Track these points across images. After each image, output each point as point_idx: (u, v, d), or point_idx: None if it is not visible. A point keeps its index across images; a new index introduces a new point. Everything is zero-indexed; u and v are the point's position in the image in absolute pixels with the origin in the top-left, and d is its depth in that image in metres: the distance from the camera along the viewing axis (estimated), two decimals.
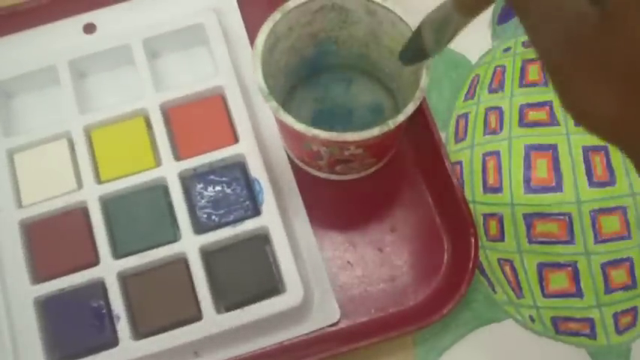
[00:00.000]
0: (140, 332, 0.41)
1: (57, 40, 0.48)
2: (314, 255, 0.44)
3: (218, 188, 0.43)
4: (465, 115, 0.48)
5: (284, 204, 0.44)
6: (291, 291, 0.41)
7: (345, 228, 0.45)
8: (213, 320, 0.41)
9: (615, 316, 0.43)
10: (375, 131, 0.37)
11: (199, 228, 0.43)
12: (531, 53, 0.48)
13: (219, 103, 0.45)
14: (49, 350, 0.40)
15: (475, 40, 0.50)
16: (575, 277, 0.44)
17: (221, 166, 0.44)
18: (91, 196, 0.43)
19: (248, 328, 0.41)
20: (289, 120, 0.38)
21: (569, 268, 0.44)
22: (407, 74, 0.41)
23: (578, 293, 0.44)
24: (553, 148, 0.46)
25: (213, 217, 0.43)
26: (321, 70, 0.46)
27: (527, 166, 0.46)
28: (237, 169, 0.44)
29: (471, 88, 0.48)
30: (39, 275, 0.42)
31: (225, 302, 0.42)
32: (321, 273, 0.43)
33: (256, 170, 0.43)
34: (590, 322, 0.43)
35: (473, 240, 0.42)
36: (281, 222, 0.42)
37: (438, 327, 0.43)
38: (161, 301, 0.41)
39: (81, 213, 0.43)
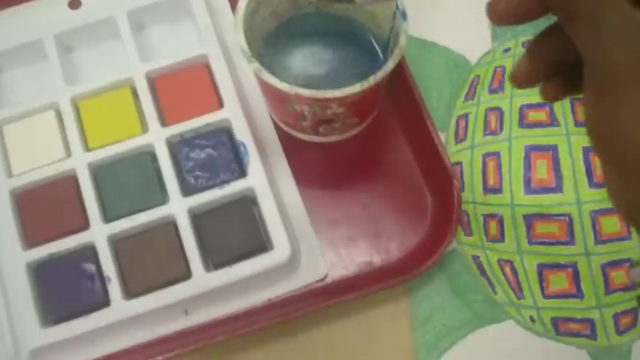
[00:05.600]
0: (131, 292, 0.41)
1: (43, 15, 0.48)
2: (300, 213, 0.44)
3: (205, 152, 0.43)
4: (465, 116, 0.47)
5: (269, 166, 0.45)
6: (279, 248, 0.41)
7: (330, 187, 0.45)
8: (202, 278, 0.41)
9: (615, 316, 0.42)
10: (355, 87, 0.37)
11: (187, 191, 0.43)
12: None
13: (204, 71, 0.45)
14: (42, 313, 0.40)
15: (475, 40, 0.49)
16: (576, 277, 0.43)
17: (207, 131, 0.44)
18: (80, 163, 0.43)
19: (237, 285, 0.41)
20: (272, 80, 0.37)
21: (570, 269, 0.43)
22: (388, 37, 0.41)
23: (579, 294, 0.43)
24: (553, 148, 0.45)
25: (201, 179, 0.43)
26: (303, 36, 0.44)
27: (528, 166, 0.45)
28: (222, 134, 0.44)
29: (471, 89, 0.47)
30: (30, 241, 0.42)
31: (214, 261, 0.42)
32: (308, 231, 0.44)
33: (241, 133, 0.43)
34: (591, 322, 0.43)
35: (455, 194, 0.42)
36: (267, 182, 0.42)
37: (438, 327, 0.43)
38: (151, 262, 0.41)
39: (70, 180, 0.43)
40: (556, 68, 0.28)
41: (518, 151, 0.45)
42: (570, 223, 0.44)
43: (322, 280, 0.43)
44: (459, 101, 0.47)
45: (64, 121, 0.44)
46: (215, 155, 0.43)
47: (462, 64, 0.48)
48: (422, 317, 0.43)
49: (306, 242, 0.44)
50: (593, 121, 0.25)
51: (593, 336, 0.42)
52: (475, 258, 0.44)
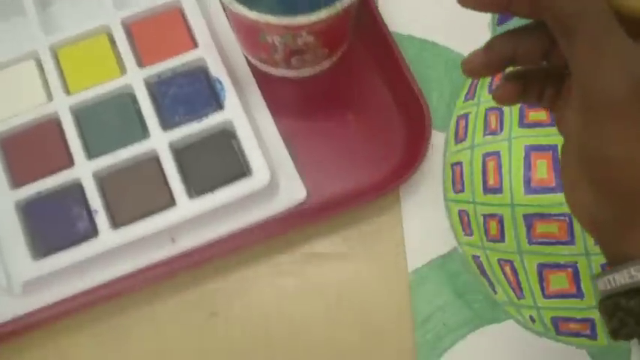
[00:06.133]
0: (118, 223, 0.43)
1: None
2: (276, 142, 0.46)
3: (182, 90, 0.46)
4: (465, 116, 0.47)
5: (245, 99, 0.47)
6: (258, 173, 0.43)
7: (305, 120, 0.48)
8: (186, 206, 0.43)
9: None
10: (322, 13, 0.38)
11: (167, 126, 0.45)
12: None
13: (178, 15, 0.48)
14: (33, 247, 0.42)
15: (475, 40, 0.48)
16: (576, 277, 0.43)
17: (183, 71, 0.46)
18: (62, 106, 0.45)
19: (220, 211, 0.43)
20: (243, 10, 0.39)
21: (570, 269, 0.43)
22: None
23: (579, 294, 0.43)
24: (553, 148, 0.44)
25: (179, 115, 0.45)
26: None
27: (528, 166, 0.45)
28: (198, 72, 0.46)
29: (471, 89, 0.47)
30: (17, 181, 0.44)
31: (197, 189, 0.43)
32: (285, 159, 0.46)
33: (217, 70, 0.46)
34: (591, 322, 0.42)
35: (425, 119, 0.45)
36: (244, 113, 0.45)
37: (438, 327, 0.43)
38: (136, 193, 0.43)
39: (53, 123, 0.45)
40: (505, 67, 0.28)
41: (519, 150, 0.45)
42: (570, 223, 0.43)
43: (302, 203, 0.45)
44: (459, 101, 0.47)
45: (44, 69, 0.46)
46: (192, 92, 0.45)
47: None
48: (422, 317, 0.44)
49: (283, 169, 0.46)
50: (579, 142, 0.25)
51: (593, 336, 0.42)
52: (475, 258, 0.44)
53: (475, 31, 0.48)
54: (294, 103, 0.48)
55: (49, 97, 0.45)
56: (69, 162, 0.44)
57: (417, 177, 0.47)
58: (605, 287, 0.26)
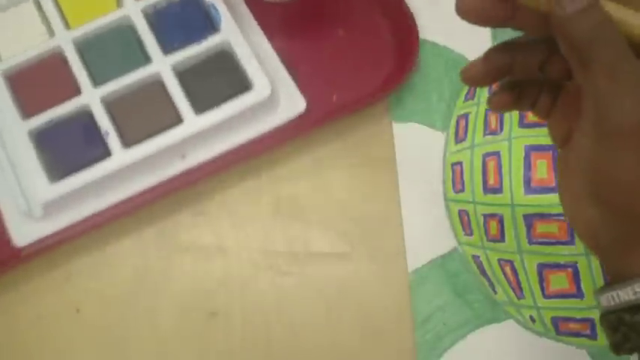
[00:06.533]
0: (129, 143, 0.44)
1: None
2: (273, 60, 0.48)
3: (178, 17, 0.47)
4: (466, 116, 0.47)
5: (239, 23, 0.48)
6: (259, 86, 0.45)
7: (297, 38, 0.49)
8: (192, 122, 0.44)
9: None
10: None
11: (167, 51, 0.46)
12: None
13: None
14: (50, 172, 0.43)
15: (475, 40, 0.48)
16: (576, 277, 0.43)
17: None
18: (64, 40, 0.46)
19: (226, 125, 0.45)
20: None
21: (570, 269, 0.43)
22: None
23: (579, 294, 0.43)
24: (553, 148, 0.44)
25: (178, 41, 0.46)
26: None
27: (528, 166, 0.44)
28: (193, 0, 0.47)
29: (471, 89, 0.47)
30: (28, 113, 0.45)
31: (202, 107, 0.45)
32: (283, 74, 0.47)
33: None
34: (591, 322, 0.42)
35: (413, 31, 0.47)
36: (240, 33, 0.46)
37: (438, 326, 0.43)
38: (143, 115, 0.45)
39: (57, 57, 0.46)
40: (502, 76, 0.28)
41: (519, 150, 0.45)
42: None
43: (302, 114, 0.47)
44: (459, 101, 0.47)
45: (43, 9, 0.47)
46: (188, 18, 0.47)
47: (462, 64, 0.47)
48: (422, 317, 0.44)
49: (282, 83, 0.47)
50: (590, 165, 0.25)
51: (593, 336, 0.42)
52: (475, 258, 0.44)
53: (475, 32, 0.48)
54: (286, 23, 0.50)
55: (51, 33, 0.47)
56: (76, 91, 0.45)
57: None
58: (609, 303, 0.27)
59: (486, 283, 0.44)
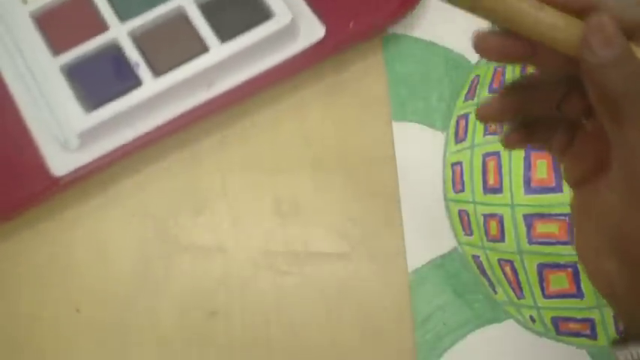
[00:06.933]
0: (159, 72, 0.46)
1: None
2: None
3: None
4: (466, 116, 0.47)
5: None
6: (280, 14, 0.47)
7: None
8: (218, 50, 0.46)
9: (616, 316, 0.42)
10: None
11: None
12: None
13: None
14: (84, 103, 0.45)
15: None
16: (576, 277, 0.43)
17: None
18: None
19: (249, 53, 0.47)
20: None
21: (570, 269, 0.43)
22: None
23: (579, 294, 0.43)
24: None
25: None
26: None
27: (528, 166, 0.44)
28: None
29: (472, 89, 0.47)
30: (58, 50, 0.46)
31: (226, 36, 0.47)
32: (301, 3, 0.49)
33: None
34: (591, 322, 0.42)
35: None
36: None
37: (438, 326, 0.43)
38: (171, 46, 0.47)
39: None
40: (521, 116, 0.28)
41: (519, 151, 0.45)
42: (570, 223, 0.43)
43: (321, 40, 0.48)
44: (459, 101, 0.47)
45: None
46: None
47: (462, 64, 0.48)
48: (422, 317, 0.44)
49: (300, 12, 0.49)
50: (616, 220, 0.24)
51: (593, 336, 0.42)
52: (475, 258, 0.44)
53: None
54: None
55: None
56: (103, 27, 0.47)
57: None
58: (626, 359, 0.26)
59: (486, 283, 0.44)
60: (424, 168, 0.47)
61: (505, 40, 0.25)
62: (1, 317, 0.44)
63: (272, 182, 0.47)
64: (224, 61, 0.46)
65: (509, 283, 0.43)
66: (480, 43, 0.25)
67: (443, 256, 0.45)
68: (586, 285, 0.42)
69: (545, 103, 0.27)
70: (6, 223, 0.45)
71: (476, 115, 0.28)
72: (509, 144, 0.29)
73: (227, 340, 0.44)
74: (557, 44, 0.23)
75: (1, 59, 0.47)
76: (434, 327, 0.43)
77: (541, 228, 0.43)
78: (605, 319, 0.42)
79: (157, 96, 0.46)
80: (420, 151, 0.47)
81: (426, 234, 0.46)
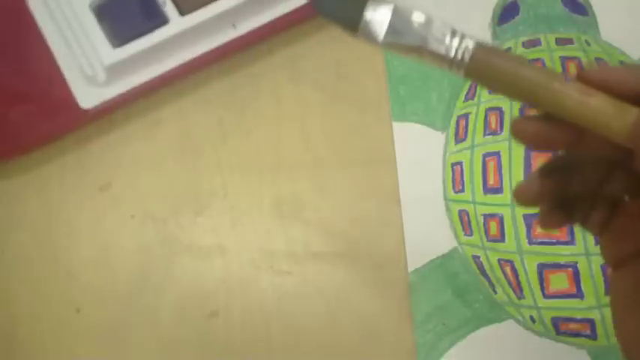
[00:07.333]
0: (185, 11, 0.47)
1: None
2: None
3: None
4: (466, 116, 0.47)
5: None
6: None
7: None
8: None
9: None
10: None
11: None
12: (532, 53, 0.46)
13: None
14: (112, 38, 0.46)
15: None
16: (576, 277, 0.43)
17: None
18: None
19: None
20: None
21: (570, 269, 0.43)
22: None
23: (579, 294, 0.43)
24: None
25: None
26: None
27: (528, 166, 0.45)
28: None
29: (471, 89, 0.47)
30: None
31: None
32: None
33: None
34: (591, 322, 0.42)
35: None
36: None
37: (438, 327, 0.43)
38: None
39: None
40: (560, 195, 0.26)
41: (519, 151, 0.45)
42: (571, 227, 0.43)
43: None
44: (459, 101, 0.47)
45: None
46: None
47: None
48: (422, 317, 0.44)
49: None
50: None
51: (593, 336, 0.42)
52: (475, 258, 0.44)
53: (475, 31, 0.48)
54: None
55: None
56: None
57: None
58: None
59: (486, 283, 0.43)
60: (424, 168, 0.47)
61: (541, 128, 0.23)
62: (1, 317, 0.44)
63: (272, 182, 0.47)
64: (247, 2, 0.47)
65: (510, 283, 0.43)
66: (518, 128, 0.23)
67: (443, 256, 0.45)
68: (586, 285, 0.42)
69: (586, 182, 0.25)
70: (35, 153, 0.47)
71: (515, 199, 0.26)
72: (547, 225, 0.27)
73: (227, 340, 0.44)
74: (609, 131, 0.22)
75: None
76: (434, 327, 0.43)
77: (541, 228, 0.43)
78: (605, 319, 0.42)
79: (182, 34, 0.47)
80: (420, 151, 0.47)
81: (426, 234, 0.46)
